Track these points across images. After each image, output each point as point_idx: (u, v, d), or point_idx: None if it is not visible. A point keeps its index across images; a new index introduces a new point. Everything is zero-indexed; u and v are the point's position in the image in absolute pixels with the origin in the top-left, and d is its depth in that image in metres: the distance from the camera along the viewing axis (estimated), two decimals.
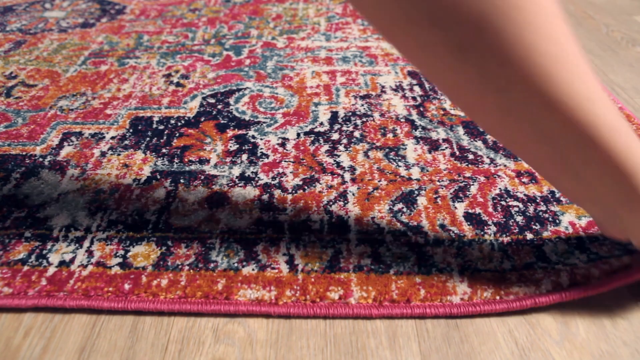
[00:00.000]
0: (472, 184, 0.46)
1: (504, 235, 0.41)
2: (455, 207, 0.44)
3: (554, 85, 0.27)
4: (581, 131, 0.28)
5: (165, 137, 0.54)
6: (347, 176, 0.48)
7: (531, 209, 0.43)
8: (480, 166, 0.49)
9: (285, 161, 0.50)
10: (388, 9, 0.26)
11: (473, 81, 0.28)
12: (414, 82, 0.65)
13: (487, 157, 0.50)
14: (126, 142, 0.53)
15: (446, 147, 0.52)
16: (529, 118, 0.29)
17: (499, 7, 0.24)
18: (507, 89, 0.27)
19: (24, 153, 0.52)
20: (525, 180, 0.47)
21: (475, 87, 0.28)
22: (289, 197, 0.45)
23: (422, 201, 0.44)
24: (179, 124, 0.56)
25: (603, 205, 0.33)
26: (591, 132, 0.28)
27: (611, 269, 0.37)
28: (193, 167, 0.49)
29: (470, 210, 0.43)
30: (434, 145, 0.52)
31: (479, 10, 0.24)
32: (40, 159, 0.51)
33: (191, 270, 0.38)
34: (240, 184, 0.47)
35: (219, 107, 0.60)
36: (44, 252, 0.40)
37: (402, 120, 0.57)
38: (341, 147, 0.52)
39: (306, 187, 0.46)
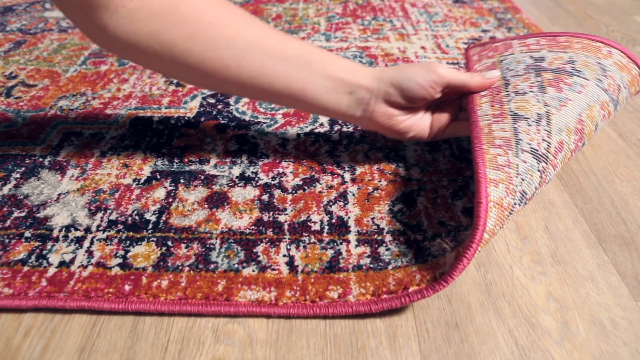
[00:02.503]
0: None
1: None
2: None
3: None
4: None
5: (165, 137, 0.54)
6: (347, 176, 0.48)
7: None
8: None
9: (285, 161, 0.50)
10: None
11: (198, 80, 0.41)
12: None
13: None
14: (126, 142, 0.53)
15: (446, 148, 0.52)
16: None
17: (176, 34, 0.36)
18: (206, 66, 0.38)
19: (24, 153, 0.52)
20: None
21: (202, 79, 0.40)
22: (289, 197, 0.45)
23: (421, 201, 0.44)
24: (179, 124, 0.56)
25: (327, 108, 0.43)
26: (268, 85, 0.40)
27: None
28: (193, 167, 0.49)
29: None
30: (433, 146, 0.52)
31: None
32: (40, 159, 0.51)
33: (191, 272, 0.38)
34: (240, 184, 0.47)
35: (219, 107, 0.60)
36: (44, 252, 0.40)
37: None
38: (341, 148, 0.52)
39: (306, 187, 0.46)
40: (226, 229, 0.42)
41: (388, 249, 0.39)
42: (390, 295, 0.35)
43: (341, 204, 0.44)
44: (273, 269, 0.38)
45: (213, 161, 0.50)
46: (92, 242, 0.41)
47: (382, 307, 0.35)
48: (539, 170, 0.36)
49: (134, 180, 0.48)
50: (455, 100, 0.46)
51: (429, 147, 0.52)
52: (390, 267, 0.38)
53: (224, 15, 0.38)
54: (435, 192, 0.45)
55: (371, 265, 0.38)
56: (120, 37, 0.36)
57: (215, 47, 0.37)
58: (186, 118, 0.57)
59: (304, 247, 0.40)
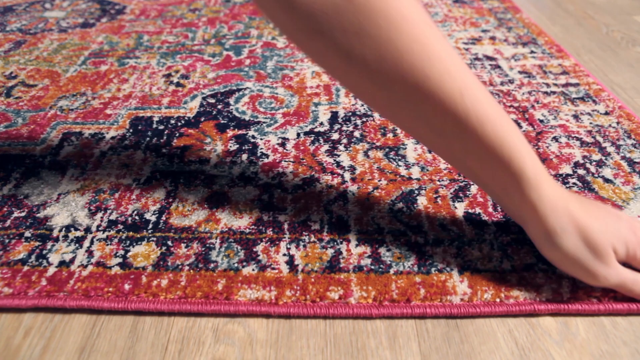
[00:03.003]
0: (472, 184, 0.46)
1: (504, 235, 0.41)
2: (455, 207, 0.44)
3: (425, 81, 0.31)
4: (455, 122, 0.32)
5: (165, 137, 0.54)
6: (347, 176, 0.48)
7: None
8: None
9: (285, 161, 0.50)
10: (280, 21, 0.32)
11: (361, 81, 0.32)
12: None
13: None
14: (126, 142, 0.53)
15: None
16: (414, 111, 0.33)
17: (370, 18, 0.29)
18: (388, 87, 0.32)
19: (24, 153, 0.52)
20: None
21: (365, 86, 0.33)
22: (289, 197, 0.45)
23: (422, 201, 0.44)
24: (179, 124, 0.56)
25: (491, 191, 0.37)
26: (463, 123, 0.32)
27: (614, 291, 0.36)
28: (193, 167, 0.49)
29: (470, 210, 0.43)
30: None
31: (356, 22, 0.29)
32: (40, 159, 0.51)
33: (191, 271, 0.38)
34: (240, 184, 0.47)
35: (219, 107, 0.60)
36: (44, 252, 0.40)
37: None
38: (341, 147, 0.52)
39: (306, 187, 0.46)
40: (226, 229, 0.42)
41: (389, 250, 0.39)
42: (392, 302, 0.35)
43: (341, 203, 0.44)
44: (273, 268, 0.38)
45: (213, 161, 0.50)
46: (92, 242, 0.41)
47: (383, 312, 0.35)
48: None
49: (134, 180, 0.48)
50: None
51: None
52: (392, 271, 0.38)
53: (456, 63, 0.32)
54: (436, 192, 0.45)
55: (372, 267, 0.38)
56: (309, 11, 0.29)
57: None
58: (186, 118, 0.57)
59: (304, 246, 0.40)
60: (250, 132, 0.55)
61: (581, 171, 0.48)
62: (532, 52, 0.73)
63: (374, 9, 0.29)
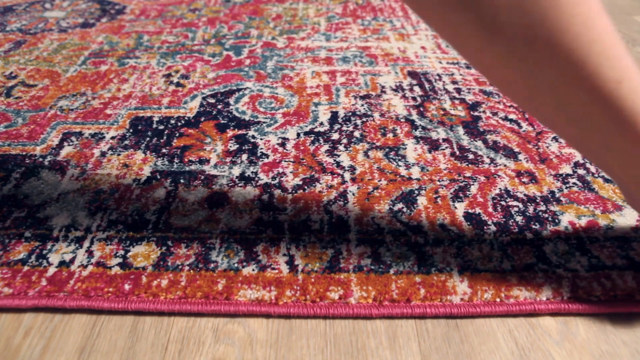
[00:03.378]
0: (472, 184, 0.46)
1: (504, 235, 0.41)
2: (455, 207, 0.44)
3: (581, 66, 0.27)
4: (603, 113, 0.28)
5: (165, 137, 0.54)
6: (347, 176, 0.48)
7: (531, 209, 0.43)
8: (480, 166, 0.49)
9: (285, 161, 0.50)
10: None
11: (501, 62, 0.28)
12: (414, 82, 0.65)
13: (487, 157, 0.50)
14: (126, 142, 0.53)
15: (446, 147, 0.52)
16: (556, 98, 0.29)
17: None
18: (536, 70, 0.28)
19: (24, 153, 0.52)
20: (525, 180, 0.47)
21: (504, 68, 0.29)
22: (289, 197, 0.45)
23: (422, 201, 0.44)
24: (179, 124, 0.56)
25: (625, 189, 0.34)
26: (612, 115, 0.28)
27: (613, 288, 0.36)
28: (193, 167, 0.49)
29: (470, 210, 0.43)
30: (434, 145, 0.52)
31: None
32: (40, 159, 0.51)
33: (191, 271, 0.38)
34: (240, 184, 0.47)
35: (219, 107, 0.60)
36: (44, 252, 0.40)
37: (402, 120, 0.57)
38: (341, 147, 0.52)
39: (306, 187, 0.46)
40: (226, 229, 0.42)
41: (389, 250, 0.39)
42: (392, 302, 0.35)
43: (341, 203, 0.44)
44: (273, 268, 0.38)
45: (213, 161, 0.50)
46: (92, 242, 0.41)
47: (383, 312, 0.35)
48: None
49: (134, 180, 0.48)
50: None
51: (429, 146, 0.52)
52: (392, 271, 0.38)
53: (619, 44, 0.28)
54: (436, 192, 0.45)
55: (372, 267, 0.38)
56: None
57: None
58: (186, 118, 0.57)
59: (304, 246, 0.40)
60: (250, 132, 0.54)
61: (581, 171, 0.48)
62: None
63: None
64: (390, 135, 0.54)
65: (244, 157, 0.51)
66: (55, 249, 0.40)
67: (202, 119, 0.57)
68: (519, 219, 0.42)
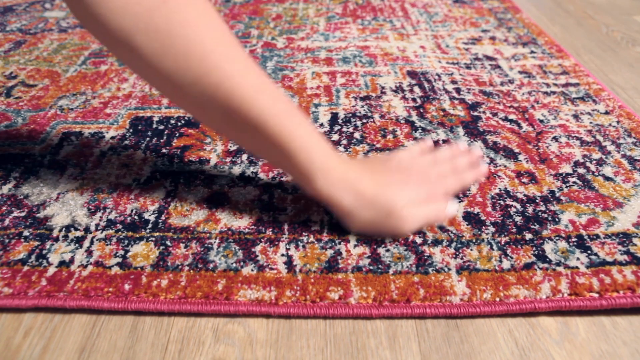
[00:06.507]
0: (473, 185, 0.46)
1: (502, 235, 0.41)
2: None
3: (216, 83, 0.33)
4: (251, 119, 0.35)
5: (165, 137, 0.54)
6: None
7: (530, 209, 0.43)
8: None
9: None
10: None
11: (166, 86, 0.35)
12: (414, 82, 0.65)
13: (487, 157, 0.50)
14: (126, 142, 0.53)
15: (446, 148, 0.52)
16: (216, 110, 0.35)
17: (145, 31, 0.31)
18: (185, 90, 0.34)
19: (23, 152, 0.52)
20: (525, 180, 0.47)
21: (170, 88, 0.35)
22: (289, 197, 0.45)
23: None
24: (179, 124, 0.56)
25: (292, 177, 0.40)
26: (257, 120, 0.35)
27: (613, 283, 0.36)
28: (193, 167, 0.49)
29: (469, 210, 0.43)
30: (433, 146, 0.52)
31: (125, 31, 0.31)
32: (40, 159, 0.51)
33: (191, 271, 0.38)
34: (240, 184, 0.47)
35: None
36: (44, 252, 0.40)
37: (402, 121, 0.57)
38: (341, 148, 0.52)
39: None
40: (225, 229, 0.42)
41: (388, 250, 0.39)
42: (392, 303, 0.35)
43: None
44: (271, 268, 0.38)
45: (213, 161, 0.50)
46: (92, 242, 0.40)
47: (383, 313, 0.35)
48: None
49: (134, 180, 0.48)
50: None
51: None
52: (390, 271, 0.38)
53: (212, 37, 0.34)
54: None
55: (371, 268, 0.38)
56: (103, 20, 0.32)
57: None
58: (186, 118, 0.57)
59: (303, 246, 0.40)
60: None
61: (581, 170, 0.48)
62: (532, 52, 0.73)
63: (159, 13, 0.31)
64: (390, 136, 0.54)
65: (244, 157, 0.51)
66: (55, 248, 0.40)
67: None
68: (518, 219, 0.42)
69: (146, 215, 0.43)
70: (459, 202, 0.44)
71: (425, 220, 0.40)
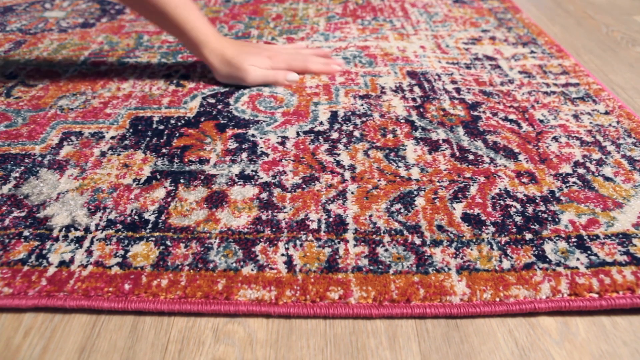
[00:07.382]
0: (472, 185, 0.46)
1: (502, 236, 0.41)
2: (454, 208, 0.44)
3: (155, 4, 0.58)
4: (169, 14, 0.58)
5: (165, 137, 0.54)
6: (348, 175, 0.48)
7: (530, 209, 0.43)
8: (480, 166, 0.49)
9: (285, 159, 0.50)
10: None
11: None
12: (414, 82, 0.65)
13: (487, 157, 0.50)
14: (126, 141, 0.53)
15: (446, 148, 0.52)
16: (150, 7, 0.58)
17: None
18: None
19: (23, 152, 0.52)
20: (525, 180, 0.47)
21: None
22: (288, 195, 0.45)
23: (420, 202, 0.44)
24: (179, 124, 0.56)
25: (189, 48, 0.64)
26: (172, 14, 0.58)
27: (613, 284, 0.36)
28: (193, 167, 0.49)
29: (468, 211, 0.43)
30: (433, 146, 0.52)
31: None
32: (40, 159, 0.51)
33: (191, 271, 0.38)
34: (239, 182, 0.47)
35: (219, 107, 0.60)
36: (44, 252, 0.40)
37: (402, 121, 0.57)
38: (341, 146, 0.52)
39: (305, 186, 0.46)
40: (225, 229, 0.42)
41: (386, 250, 0.39)
42: (392, 303, 0.35)
43: (340, 202, 0.44)
44: (271, 268, 0.38)
45: (213, 161, 0.50)
46: (92, 242, 0.40)
47: (383, 313, 0.35)
48: None
49: (134, 180, 0.48)
50: None
51: (429, 147, 0.52)
52: (391, 271, 0.38)
53: None
54: (435, 193, 0.45)
55: (371, 268, 0.38)
56: None
57: None
58: (186, 118, 0.57)
59: (302, 245, 0.40)
60: (250, 131, 0.54)
61: (581, 170, 0.48)
62: (532, 52, 0.73)
63: None
64: (390, 136, 0.54)
65: (244, 155, 0.51)
66: (55, 248, 0.40)
67: (202, 119, 0.57)
68: (518, 219, 0.42)
69: (146, 215, 0.43)
70: (458, 202, 0.44)
71: (264, 79, 0.63)
